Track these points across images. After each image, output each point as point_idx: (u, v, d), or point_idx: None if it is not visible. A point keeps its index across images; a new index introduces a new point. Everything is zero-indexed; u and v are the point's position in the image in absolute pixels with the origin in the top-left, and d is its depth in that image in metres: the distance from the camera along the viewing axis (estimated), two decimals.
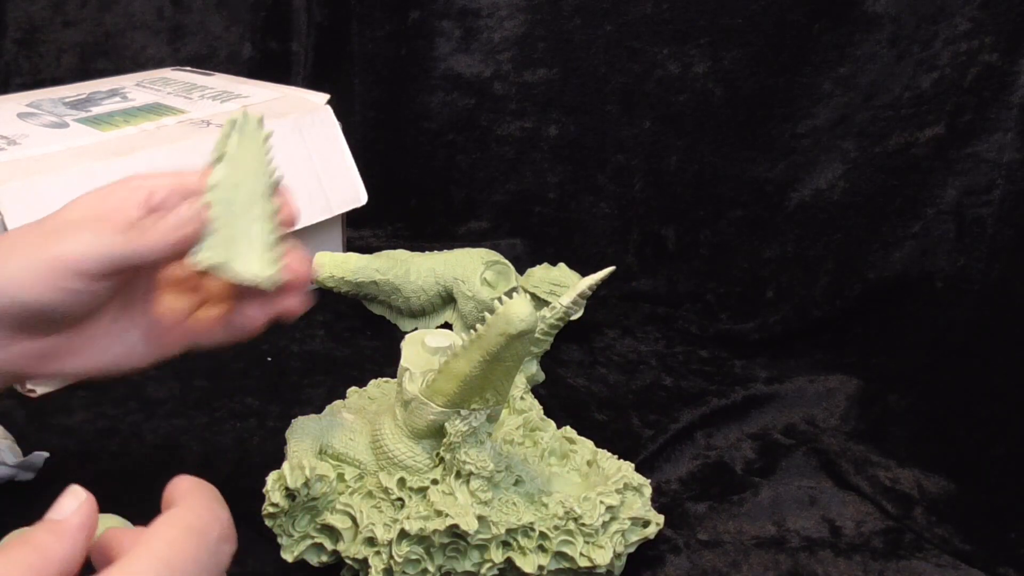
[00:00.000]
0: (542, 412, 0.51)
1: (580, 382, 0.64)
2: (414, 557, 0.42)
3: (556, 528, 0.43)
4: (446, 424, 0.42)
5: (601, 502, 0.44)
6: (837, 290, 0.68)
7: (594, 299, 0.74)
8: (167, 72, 0.84)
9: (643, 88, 0.78)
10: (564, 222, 0.84)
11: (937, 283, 0.65)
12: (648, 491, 0.47)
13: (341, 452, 0.45)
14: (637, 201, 0.80)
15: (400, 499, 0.43)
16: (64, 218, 0.38)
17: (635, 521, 0.46)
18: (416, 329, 0.68)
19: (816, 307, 0.69)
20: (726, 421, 0.60)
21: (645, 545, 0.47)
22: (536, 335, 0.51)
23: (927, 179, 0.65)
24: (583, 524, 0.43)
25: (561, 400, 0.62)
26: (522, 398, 0.51)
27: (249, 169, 0.40)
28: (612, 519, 0.44)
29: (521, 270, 0.69)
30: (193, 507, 0.30)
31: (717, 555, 0.49)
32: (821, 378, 0.64)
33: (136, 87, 0.77)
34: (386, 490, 0.43)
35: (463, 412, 0.41)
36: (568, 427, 0.51)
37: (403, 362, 0.45)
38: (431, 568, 0.42)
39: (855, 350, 0.67)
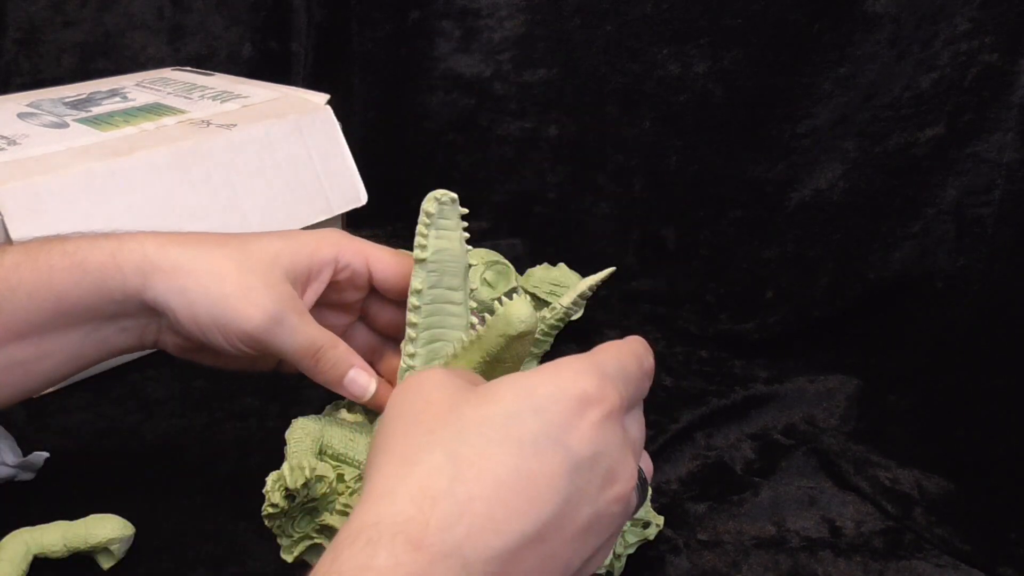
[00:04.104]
0: None
1: None
2: None
3: None
4: None
5: None
6: (837, 290, 0.68)
7: (594, 299, 0.74)
8: (167, 72, 0.84)
9: (643, 88, 0.78)
10: (564, 222, 0.84)
11: (937, 283, 0.65)
12: (649, 492, 0.47)
13: (341, 452, 0.45)
14: (637, 201, 0.80)
15: None
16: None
17: (635, 522, 0.45)
18: None
19: (816, 307, 0.69)
20: (726, 421, 0.60)
21: (645, 545, 0.47)
22: (536, 336, 0.51)
23: (927, 179, 0.65)
24: None
25: None
26: None
27: (449, 259, 0.44)
28: None
29: (521, 270, 0.69)
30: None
31: (717, 555, 0.49)
32: (821, 378, 0.64)
33: (136, 87, 0.77)
34: None
35: None
36: None
37: None
38: None
39: (855, 350, 0.67)
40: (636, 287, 0.78)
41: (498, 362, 0.39)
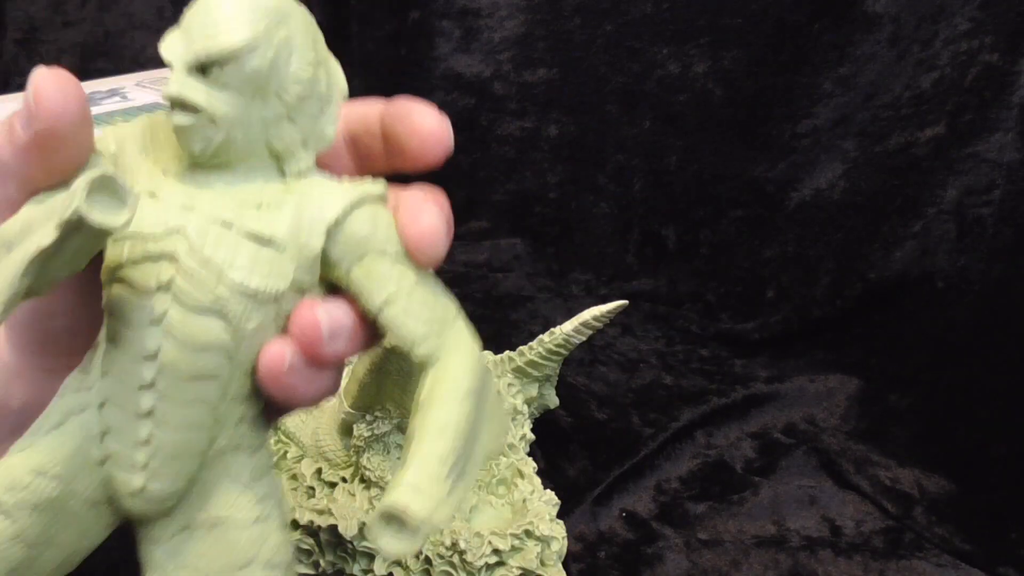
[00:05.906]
0: (522, 437, 0.49)
1: (580, 380, 0.64)
2: (305, 547, 0.42)
3: (440, 557, 0.41)
4: (354, 426, 0.42)
5: (489, 543, 0.42)
6: (837, 290, 0.68)
7: (595, 298, 0.74)
8: (167, 72, 0.84)
9: (643, 88, 0.78)
10: (564, 222, 0.84)
11: (937, 283, 0.65)
12: (558, 545, 0.43)
13: (291, 431, 0.45)
14: (637, 201, 0.80)
15: (312, 488, 0.43)
16: None
17: (526, 572, 0.43)
18: None
19: (816, 307, 0.69)
20: (726, 420, 0.60)
21: (644, 544, 0.47)
22: (532, 358, 0.51)
23: (927, 179, 0.65)
24: (466, 560, 0.41)
25: (561, 398, 0.62)
26: None
27: None
28: (499, 563, 0.42)
29: (522, 269, 0.69)
30: None
31: (717, 554, 0.49)
32: (821, 378, 0.64)
33: (136, 87, 0.77)
34: (304, 476, 0.44)
35: (368, 417, 0.41)
36: (530, 459, 0.48)
37: None
38: (323, 562, 0.42)
39: (855, 350, 0.67)
40: (636, 287, 0.78)
41: (384, 373, 0.38)
